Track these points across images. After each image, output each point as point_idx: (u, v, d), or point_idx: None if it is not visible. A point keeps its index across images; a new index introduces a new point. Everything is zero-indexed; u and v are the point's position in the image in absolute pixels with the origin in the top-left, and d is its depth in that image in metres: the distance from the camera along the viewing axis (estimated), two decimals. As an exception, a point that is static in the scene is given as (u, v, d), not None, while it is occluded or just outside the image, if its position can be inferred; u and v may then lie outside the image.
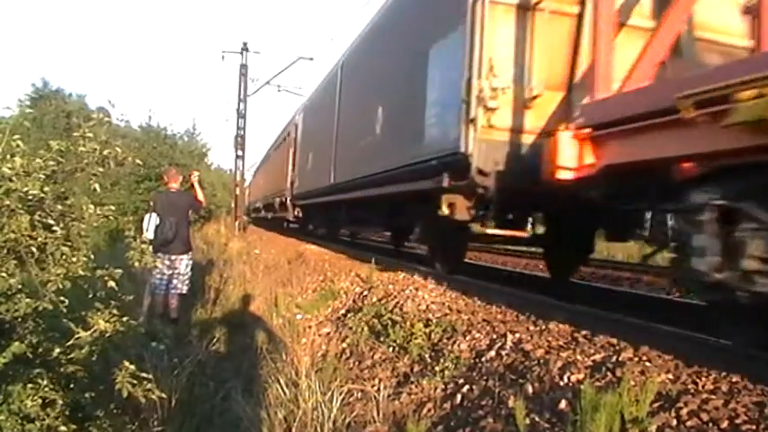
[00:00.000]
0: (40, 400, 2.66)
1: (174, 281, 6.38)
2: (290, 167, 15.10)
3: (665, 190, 3.13)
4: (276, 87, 22.96)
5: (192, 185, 6.97)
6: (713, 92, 2.46)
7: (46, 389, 2.72)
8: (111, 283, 3.03)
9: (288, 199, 15.07)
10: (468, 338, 3.60)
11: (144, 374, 3.04)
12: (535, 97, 4.44)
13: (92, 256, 3.09)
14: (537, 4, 4.49)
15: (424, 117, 5.56)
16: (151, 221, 6.20)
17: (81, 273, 2.96)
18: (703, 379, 2.32)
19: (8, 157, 2.84)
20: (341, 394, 3.33)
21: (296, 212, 14.59)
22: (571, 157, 3.53)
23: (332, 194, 9.96)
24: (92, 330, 2.89)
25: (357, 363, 4.17)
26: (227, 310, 7.14)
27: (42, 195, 2.87)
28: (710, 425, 1.97)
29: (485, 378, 2.99)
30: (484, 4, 4.46)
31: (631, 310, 3.81)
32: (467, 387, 3.01)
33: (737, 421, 1.95)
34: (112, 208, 3.31)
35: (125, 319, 3.04)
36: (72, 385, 3.01)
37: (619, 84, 3.69)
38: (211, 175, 30.10)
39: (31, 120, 20.71)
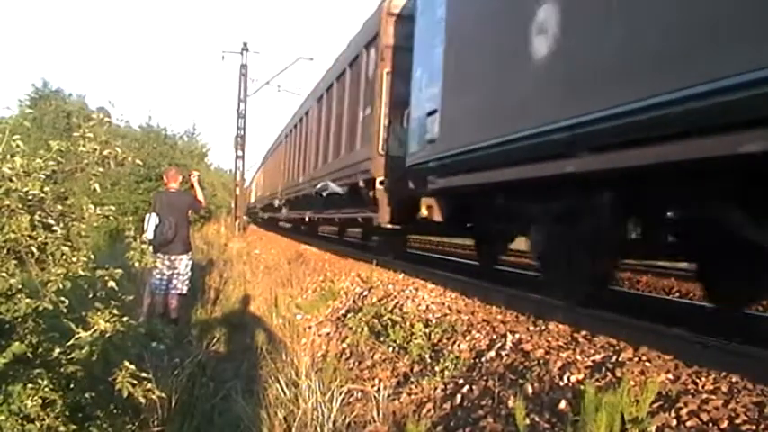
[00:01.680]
0: (40, 400, 2.66)
1: (174, 281, 6.38)
2: (382, 112, 7.18)
3: None
4: (276, 87, 22.96)
5: (192, 185, 6.97)
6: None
7: (46, 389, 2.72)
8: (111, 283, 3.03)
9: (378, 181, 7.16)
10: (467, 338, 3.60)
11: (144, 374, 3.04)
12: None
13: (92, 256, 3.09)
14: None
15: None
16: (151, 221, 6.19)
17: (81, 273, 2.96)
18: (703, 379, 2.32)
19: (8, 157, 2.84)
20: (341, 394, 3.33)
21: (426, 209, 5.95)
22: None
23: None
24: (92, 330, 2.88)
25: (357, 363, 4.17)
26: (227, 310, 7.15)
27: (42, 195, 2.87)
28: (710, 425, 1.97)
29: (484, 378, 2.99)
30: None
31: (631, 310, 3.80)
32: (467, 387, 3.01)
33: (737, 421, 1.95)
34: (112, 208, 3.31)
35: (125, 319, 3.04)
36: (72, 385, 3.01)
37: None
38: (211, 175, 30.11)
39: (31, 120, 20.71)
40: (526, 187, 4.16)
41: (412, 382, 3.40)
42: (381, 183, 7.09)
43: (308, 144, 12.57)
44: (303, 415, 3.22)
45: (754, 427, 1.90)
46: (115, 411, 3.31)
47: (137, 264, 3.35)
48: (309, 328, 5.57)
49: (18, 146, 2.90)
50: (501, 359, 3.11)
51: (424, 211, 5.93)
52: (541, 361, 2.85)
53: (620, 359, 2.66)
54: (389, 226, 7.14)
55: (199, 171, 7.85)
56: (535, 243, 4.56)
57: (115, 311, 2.99)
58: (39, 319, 2.87)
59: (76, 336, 2.87)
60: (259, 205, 25.82)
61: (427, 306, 4.55)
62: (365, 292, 5.69)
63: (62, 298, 2.86)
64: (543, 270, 4.58)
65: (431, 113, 5.55)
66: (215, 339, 5.54)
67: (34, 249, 2.82)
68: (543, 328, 3.45)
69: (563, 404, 2.40)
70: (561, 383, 2.58)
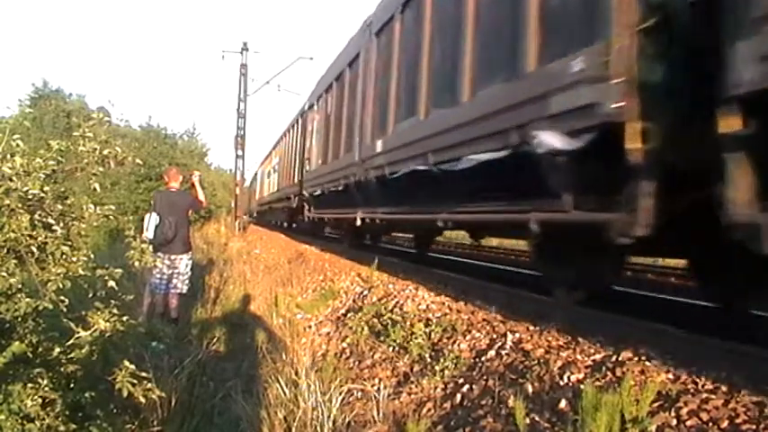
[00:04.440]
0: (40, 400, 2.66)
1: (174, 280, 6.37)
2: None
3: None
4: (276, 87, 22.93)
5: (193, 185, 6.97)
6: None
7: (46, 388, 2.71)
8: (111, 283, 3.03)
9: None
10: (468, 338, 3.60)
11: (144, 374, 3.04)
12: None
13: (92, 256, 3.08)
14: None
15: None
16: (151, 221, 6.19)
17: (81, 272, 2.95)
18: (703, 379, 2.32)
19: (8, 156, 2.84)
20: (341, 394, 3.33)
21: None
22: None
23: None
24: (92, 330, 2.88)
25: (357, 362, 4.17)
26: (227, 309, 7.14)
27: (42, 195, 2.87)
28: (710, 424, 1.97)
29: (485, 378, 2.99)
30: None
31: (632, 310, 3.80)
32: (467, 387, 3.01)
33: (737, 421, 1.95)
34: (112, 207, 3.30)
35: (125, 318, 3.04)
36: (72, 385, 3.01)
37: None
38: (211, 175, 30.08)
39: (31, 120, 20.77)
40: None
41: (412, 382, 3.40)
42: None
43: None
44: (303, 415, 3.21)
45: (754, 427, 1.90)
46: (115, 411, 3.31)
47: (137, 263, 3.35)
48: (309, 327, 5.56)
49: (18, 145, 2.90)
50: (501, 359, 3.11)
51: None
52: (541, 360, 2.85)
53: (620, 359, 2.66)
54: None
55: (200, 171, 7.83)
56: None
57: (115, 311, 2.99)
58: (39, 318, 2.87)
59: (76, 335, 2.87)
60: (310, 189, 11.17)
61: (427, 306, 4.55)
62: (365, 292, 5.69)
63: (62, 297, 2.86)
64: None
65: None
66: (215, 339, 5.53)
67: (34, 249, 2.82)
68: (543, 327, 3.45)
69: (563, 404, 2.40)
70: (561, 383, 2.58)
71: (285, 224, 19.06)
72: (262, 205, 24.37)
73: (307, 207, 12.09)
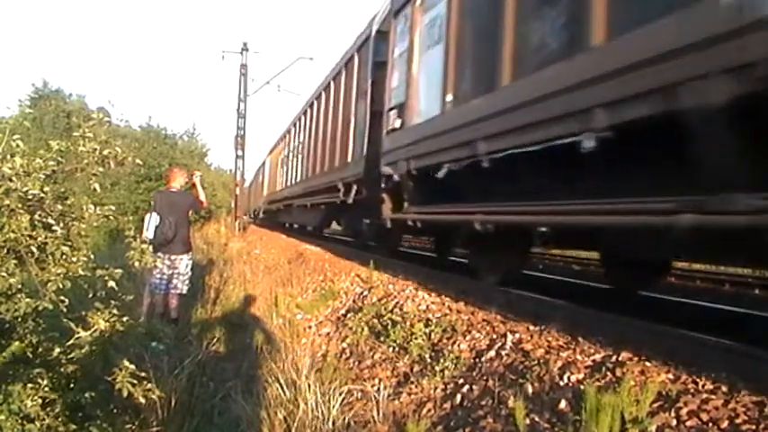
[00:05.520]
0: (40, 400, 2.66)
1: (174, 281, 6.37)
2: None
3: None
4: (276, 87, 22.90)
5: (194, 185, 6.96)
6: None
7: (46, 389, 2.72)
8: (111, 283, 3.03)
9: None
10: (467, 338, 3.60)
11: (144, 374, 3.04)
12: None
13: (92, 256, 3.08)
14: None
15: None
16: (151, 221, 6.19)
17: (81, 272, 2.96)
18: (703, 379, 2.32)
19: (8, 157, 2.84)
20: (341, 394, 3.33)
21: None
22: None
23: None
24: (92, 330, 2.88)
25: (357, 363, 4.17)
26: (227, 310, 7.14)
27: (42, 195, 2.87)
28: (710, 425, 1.97)
29: (485, 378, 2.99)
30: None
31: (632, 310, 3.80)
32: (467, 387, 3.01)
33: (737, 421, 1.95)
34: (112, 208, 3.30)
35: (125, 318, 3.04)
36: (72, 385, 3.01)
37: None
38: (211, 175, 30.09)
39: (31, 120, 20.80)
40: None
41: (412, 382, 3.41)
42: None
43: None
44: (303, 415, 3.22)
45: (754, 427, 1.90)
46: (115, 411, 3.31)
47: (137, 263, 3.35)
48: (309, 327, 5.57)
49: (18, 146, 2.91)
50: (501, 359, 3.11)
51: None
52: (541, 361, 2.85)
53: (620, 359, 2.66)
54: None
55: (201, 172, 7.83)
56: None
57: (115, 311, 2.99)
58: (38, 318, 2.87)
59: (76, 335, 2.87)
60: (412, 163, 5.55)
61: (427, 306, 4.55)
62: (365, 292, 5.69)
63: (62, 297, 2.86)
64: None
65: None
66: (215, 339, 5.53)
67: (34, 249, 2.82)
68: (543, 327, 3.45)
69: (563, 404, 2.40)
70: (561, 383, 2.58)
71: (319, 230, 12.66)
72: (272, 203, 18.31)
73: (387, 201, 6.73)
